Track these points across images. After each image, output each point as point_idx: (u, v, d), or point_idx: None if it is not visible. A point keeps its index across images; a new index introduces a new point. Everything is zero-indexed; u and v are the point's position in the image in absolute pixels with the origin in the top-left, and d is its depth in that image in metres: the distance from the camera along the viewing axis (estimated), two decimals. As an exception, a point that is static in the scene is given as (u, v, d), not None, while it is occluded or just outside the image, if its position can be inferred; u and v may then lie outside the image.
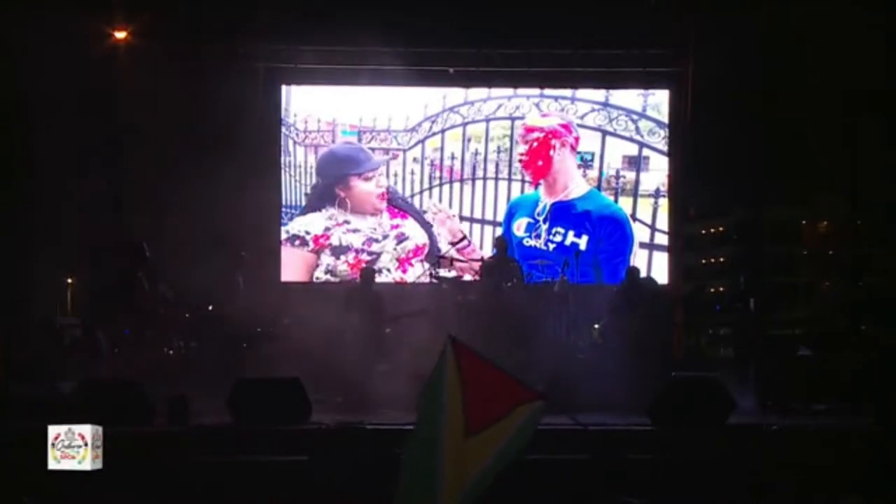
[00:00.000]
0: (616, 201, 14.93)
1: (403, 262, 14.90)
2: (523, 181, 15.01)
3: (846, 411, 10.46)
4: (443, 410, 4.56)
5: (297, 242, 14.95)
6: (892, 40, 13.73)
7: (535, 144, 14.99)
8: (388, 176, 15.03)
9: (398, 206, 15.02)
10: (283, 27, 14.01)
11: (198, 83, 13.43)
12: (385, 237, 14.92)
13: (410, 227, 14.98)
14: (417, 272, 14.78)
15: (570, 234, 14.72)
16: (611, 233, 14.75)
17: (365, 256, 14.78)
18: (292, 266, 14.96)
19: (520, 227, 14.76)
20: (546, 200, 14.88)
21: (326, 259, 14.89)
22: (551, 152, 14.93)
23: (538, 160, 14.99)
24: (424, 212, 15.00)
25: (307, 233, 14.93)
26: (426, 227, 14.98)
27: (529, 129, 15.04)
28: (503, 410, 4.54)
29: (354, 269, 14.59)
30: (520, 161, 15.02)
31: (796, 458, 8.19)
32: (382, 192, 14.98)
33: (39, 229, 14.01)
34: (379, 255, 14.84)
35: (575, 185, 14.92)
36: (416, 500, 4.56)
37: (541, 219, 14.79)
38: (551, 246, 14.61)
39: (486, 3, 13.97)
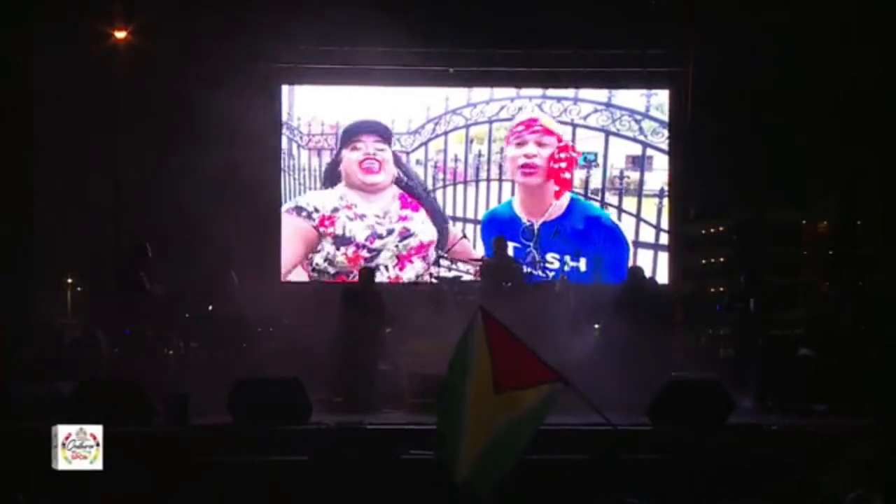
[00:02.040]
0: (620, 202, 14.86)
1: (403, 259, 14.82)
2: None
3: (846, 411, 10.45)
4: (469, 369, 4.66)
5: (302, 214, 14.82)
6: (892, 40, 13.72)
7: (563, 161, 14.72)
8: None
9: (414, 194, 14.88)
10: (283, 27, 14.01)
11: (198, 83, 13.43)
12: (390, 232, 14.80)
13: (418, 221, 14.83)
14: (417, 268, 14.73)
15: (567, 258, 14.50)
16: (604, 243, 14.64)
17: (364, 252, 14.72)
18: (292, 238, 14.78)
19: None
20: (532, 221, 14.67)
21: (328, 247, 14.78)
22: (567, 175, 14.82)
23: (561, 173, 14.77)
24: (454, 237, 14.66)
25: (315, 209, 14.81)
26: (438, 221, 14.80)
27: (548, 131, 14.85)
28: (526, 383, 4.63)
29: (352, 262, 14.59)
30: (525, 164, 14.79)
31: (796, 458, 8.19)
32: (371, 164, 14.79)
33: (40, 230, 14.02)
34: (379, 252, 14.77)
35: (558, 198, 14.86)
36: (447, 450, 4.66)
37: (531, 244, 14.53)
38: (549, 274, 14.27)
39: (487, 4, 13.97)
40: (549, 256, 14.42)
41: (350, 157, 14.86)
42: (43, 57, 13.31)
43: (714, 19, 13.99)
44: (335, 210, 14.84)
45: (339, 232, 14.81)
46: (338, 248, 14.80)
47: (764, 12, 13.61)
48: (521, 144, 14.93)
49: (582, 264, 14.52)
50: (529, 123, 14.96)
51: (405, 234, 14.83)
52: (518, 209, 14.90)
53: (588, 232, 14.73)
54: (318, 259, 14.80)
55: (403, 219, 14.87)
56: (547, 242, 14.52)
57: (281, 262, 14.80)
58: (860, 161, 15.27)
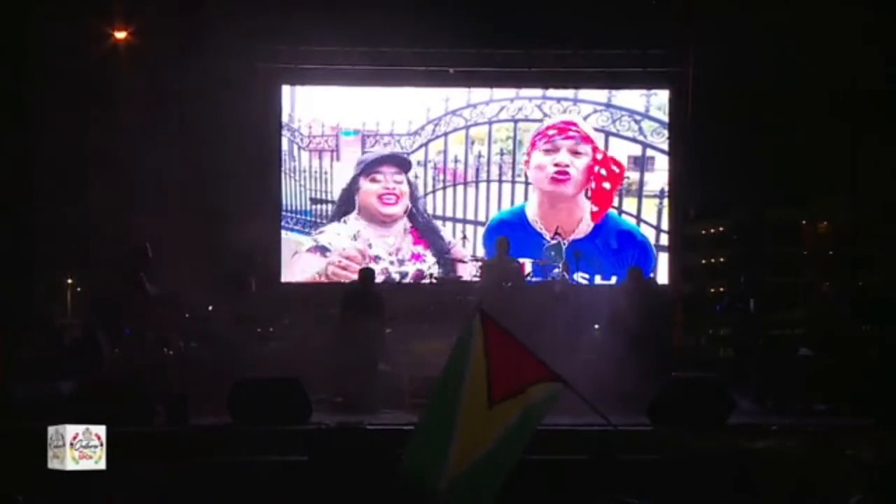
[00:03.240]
0: (620, 203, 14.74)
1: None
2: (527, 183, 14.75)
3: (846, 411, 10.45)
4: (464, 378, 4.63)
5: (326, 254, 14.63)
6: (892, 40, 13.73)
7: (604, 178, 14.29)
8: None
9: (420, 230, 14.68)
10: (283, 27, 14.01)
11: (197, 83, 13.43)
12: (403, 276, 14.50)
13: (431, 262, 14.54)
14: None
15: (597, 278, 14.22)
16: (637, 261, 14.13)
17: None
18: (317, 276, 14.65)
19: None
20: (558, 240, 13.80)
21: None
22: (607, 185, 14.41)
23: (601, 182, 14.34)
24: (450, 244, 14.54)
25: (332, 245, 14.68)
26: (446, 265, 14.39)
27: (586, 138, 14.47)
28: (522, 384, 4.61)
29: None
30: (557, 173, 14.37)
31: (796, 458, 8.20)
32: (390, 199, 14.64)
33: (40, 229, 14.02)
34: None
35: (585, 212, 14.57)
36: (425, 462, 4.62)
37: (559, 263, 13.03)
38: None
39: (487, 4, 13.96)
40: (577, 276, 13.20)
41: (369, 189, 14.69)
42: (43, 55, 13.32)
43: (714, 19, 13.99)
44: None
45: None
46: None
47: (764, 12, 13.61)
48: (551, 151, 14.58)
49: (612, 281, 14.29)
50: (564, 128, 14.60)
51: (419, 277, 14.52)
52: (537, 221, 14.57)
53: (623, 250, 14.47)
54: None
55: (417, 257, 14.63)
56: (574, 262, 12.98)
57: (281, 262, 14.78)
58: (860, 161, 15.29)
